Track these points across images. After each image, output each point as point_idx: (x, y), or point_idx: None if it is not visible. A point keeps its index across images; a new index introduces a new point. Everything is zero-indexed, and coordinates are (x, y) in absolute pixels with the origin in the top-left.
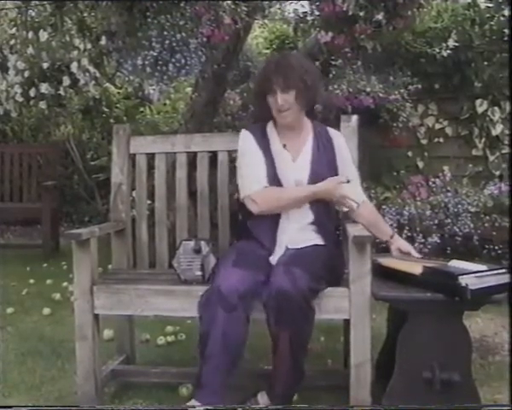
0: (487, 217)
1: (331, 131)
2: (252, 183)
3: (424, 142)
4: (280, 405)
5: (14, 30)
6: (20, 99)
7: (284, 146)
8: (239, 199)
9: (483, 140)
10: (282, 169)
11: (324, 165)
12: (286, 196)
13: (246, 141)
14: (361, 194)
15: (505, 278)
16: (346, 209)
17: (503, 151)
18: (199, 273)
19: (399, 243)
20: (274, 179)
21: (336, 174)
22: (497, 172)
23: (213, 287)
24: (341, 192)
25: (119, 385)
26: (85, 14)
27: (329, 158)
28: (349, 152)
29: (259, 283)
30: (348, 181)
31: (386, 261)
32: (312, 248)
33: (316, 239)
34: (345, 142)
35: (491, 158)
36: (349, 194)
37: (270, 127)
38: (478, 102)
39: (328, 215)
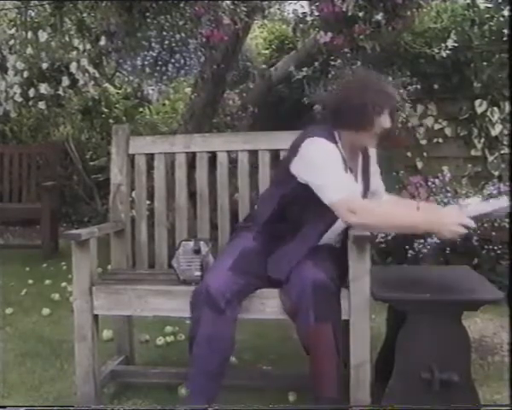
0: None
1: None
2: (345, 188)
3: (423, 142)
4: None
5: (13, 30)
6: (20, 99)
7: (351, 170)
8: (285, 195)
9: (482, 140)
10: None
11: (367, 183)
12: (398, 218)
13: (326, 146)
14: (383, 192)
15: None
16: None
17: (502, 152)
18: (198, 274)
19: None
20: None
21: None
22: (497, 173)
23: (202, 286)
24: (459, 232)
25: (119, 386)
26: (85, 15)
27: (368, 173)
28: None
29: (251, 286)
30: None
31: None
32: (329, 247)
33: (335, 241)
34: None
35: (491, 158)
36: (459, 228)
37: (338, 141)
38: (477, 102)
39: None
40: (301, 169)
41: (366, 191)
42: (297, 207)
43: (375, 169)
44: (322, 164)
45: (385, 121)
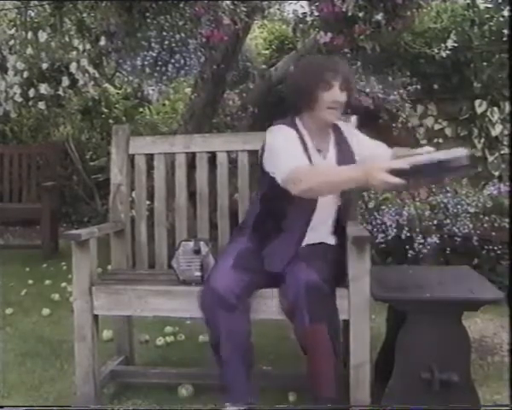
0: (486, 217)
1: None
2: (292, 160)
3: (423, 142)
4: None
5: (13, 30)
6: (20, 99)
7: (319, 151)
8: (265, 194)
9: (482, 140)
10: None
11: (347, 157)
12: (335, 175)
13: (283, 131)
14: (387, 149)
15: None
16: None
17: (503, 152)
18: (198, 274)
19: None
20: None
21: (354, 159)
22: (497, 173)
23: (210, 288)
24: (383, 180)
25: (118, 386)
26: (85, 15)
27: (347, 147)
28: (357, 130)
29: (255, 284)
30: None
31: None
32: (323, 246)
33: (328, 238)
34: (347, 124)
35: (491, 158)
36: (391, 179)
37: (300, 125)
38: (477, 102)
39: (347, 216)
40: (267, 162)
41: (346, 163)
42: (278, 203)
43: (354, 137)
44: (278, 149)
45: (335, 95)
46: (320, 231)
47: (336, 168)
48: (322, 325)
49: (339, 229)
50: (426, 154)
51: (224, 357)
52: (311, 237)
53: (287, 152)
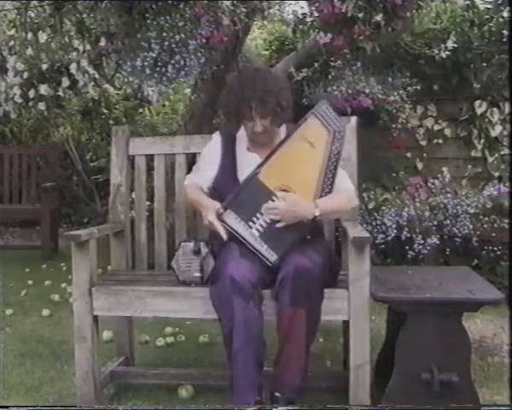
0: (486, 218)
1: None
2: (191, 176)
3: (423, 143)
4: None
5: (13, 31)
6: (20, 100)
7: (248, 149)
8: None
9: (482, 141)
10: (246, 169)
11: None
12: (188, 196)
13: (213, 142)
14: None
15: None
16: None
17: (502, 152)
18: (198, 275)
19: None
20: (231, 179)
21: None
22: (496, 174)
23: (226, 277)
24: (209, 219)
25: (118, 387)
26: (84, 16)
27: None
28: None
29: (263, 279)
30: (222, 212)
31: None
32: (314, 239)
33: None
34: None
35: (491, 159)
36: (216, 225)
37: (241, 132)
38: (477, 103)
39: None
40: None
41: None
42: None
43: None
44: (200, 158)
45: (256, 125)
46: None
47: (194, 191)
48: (302, 310)
49: (316, 228)
50: (249, 237)
51: (237, 348)
52: None
53: (197, 165)
